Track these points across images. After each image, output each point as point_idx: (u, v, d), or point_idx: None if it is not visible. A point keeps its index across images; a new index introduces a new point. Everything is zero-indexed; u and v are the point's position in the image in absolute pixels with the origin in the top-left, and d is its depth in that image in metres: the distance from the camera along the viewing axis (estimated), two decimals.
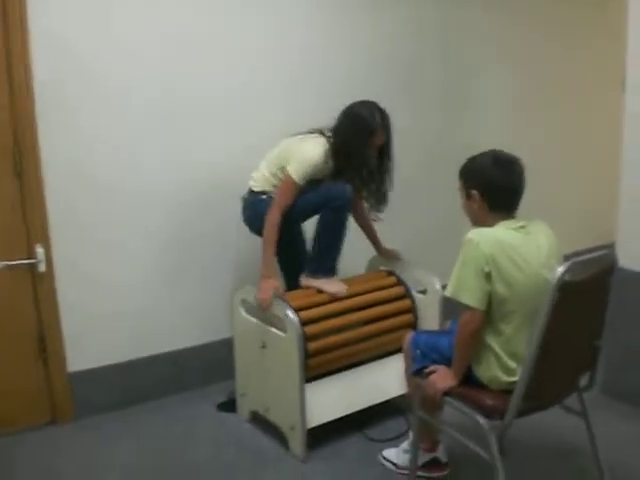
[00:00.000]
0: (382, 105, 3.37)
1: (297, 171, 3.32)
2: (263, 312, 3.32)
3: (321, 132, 3.40)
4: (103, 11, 3.40)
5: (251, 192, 3.56)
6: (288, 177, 3.33)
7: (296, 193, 3.35)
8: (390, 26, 4.36)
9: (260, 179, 3.53)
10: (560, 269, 2.32)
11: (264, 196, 3.48)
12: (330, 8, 4.12)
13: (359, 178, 3.48)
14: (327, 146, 3.34)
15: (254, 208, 3.53)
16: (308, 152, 3.33)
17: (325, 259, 3.53)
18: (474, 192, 2.64)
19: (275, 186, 3.45)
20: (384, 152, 3.46)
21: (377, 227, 3.74)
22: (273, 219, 3.34)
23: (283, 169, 3.39)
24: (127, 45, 3.50)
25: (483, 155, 2.68)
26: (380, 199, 3.57)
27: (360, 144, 3.32)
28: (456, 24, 4.70)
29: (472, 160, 2.72)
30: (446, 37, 4.68)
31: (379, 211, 3.61)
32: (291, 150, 3.39)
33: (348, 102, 3.39)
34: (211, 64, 3.76)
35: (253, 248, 3.88)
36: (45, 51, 3.27)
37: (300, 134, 3.44)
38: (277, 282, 3.39)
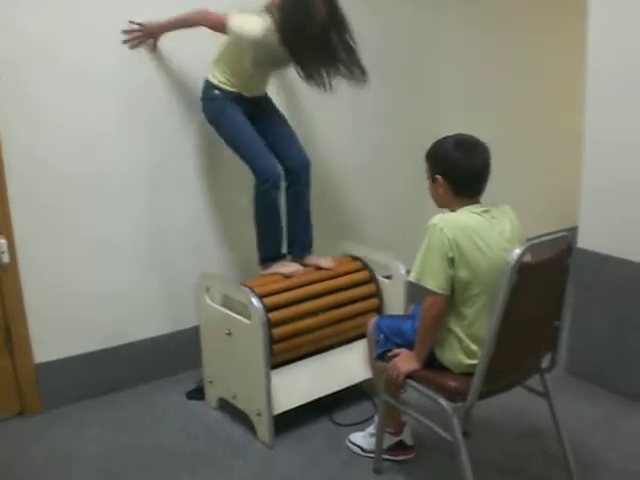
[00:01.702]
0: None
1: (237, 22, 3.31)
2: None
3: (268, 9, 3.41)
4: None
5: (207, 80, 3.55)
6: (223, 19, 3.33)
7: (221, 28, 3.35)
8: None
9: (214, 66, 3.52)
10: (517, 251, 2.35)
11: (216, 91, 3.50)
12: None
13: (311, 58, 3.33)
14: (270, 23, 3.28)
15: (206, 104, 3.59)
16: (250, 19, 3.31)
17: (269, 247, 3.60)
18: (438, 176, 2.66)
19: (228, 81, 3.47)
20: (334, 24, 3.31)
21: (341, 215, 3.73)
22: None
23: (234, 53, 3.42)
24: (84, 29, 3.45)
25: (447, 139, 2.69)
26: (354, 72, 3.43)
27: (301, 18, 3.20)
28: (416, 4, 4.65)
29: (436, 144, 2.73)
30: (408, 18, 4.62)
31: (362, 84, 3.48)
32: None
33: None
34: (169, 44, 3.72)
35: (221, 234, 3.92)
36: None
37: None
38: None
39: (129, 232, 3.76)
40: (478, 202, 2.66)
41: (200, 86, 3.59)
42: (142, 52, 3.63)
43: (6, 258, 3.34)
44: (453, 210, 2.65)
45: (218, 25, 3.36)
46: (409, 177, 4.39)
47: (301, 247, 3.71)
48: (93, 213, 3.63)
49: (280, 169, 3.51)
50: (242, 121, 3.50)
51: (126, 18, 3.53)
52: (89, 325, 3.71)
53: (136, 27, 3.55)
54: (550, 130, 5.69)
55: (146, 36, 3.58)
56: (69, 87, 3.46)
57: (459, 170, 2.62)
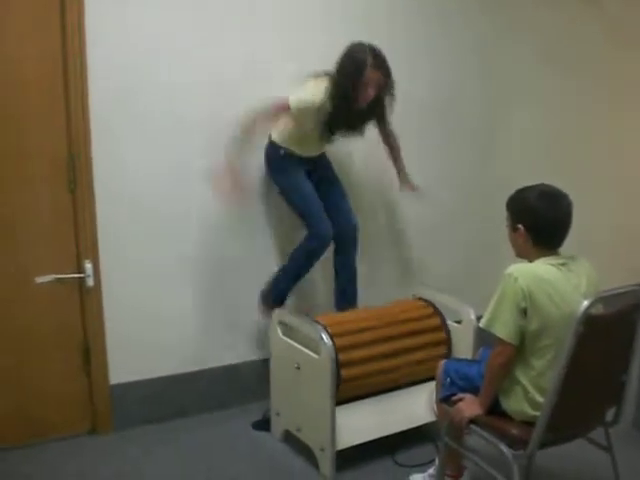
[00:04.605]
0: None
1: (295, 99, 3.43)
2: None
3: (327, 73, 3.48)
4: (150, 43, 3.53)
5: (271, 141, 3.68)
6: (286, 101, 3.44)
7: (285, 110, 3.47)
8: (426, 60, 4.37)
9: (276, 130, 3.66)
10: (585, 303, 2.36)
11: (282, 151, 3.63)
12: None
13: (348, 118, 3.50)
14: (328, 85, 3.42)
15: (271, 165, 3.72)
16: (310, 88, 3.44)
17: (280, 291, 3.81)
18: (519, 226, 2.67)
19: (290, 145, 3.61)
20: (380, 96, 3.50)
21: (416, 257, 3.76)
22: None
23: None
24: (174, 76, 3.61)
25: (531, 189, 2.68)
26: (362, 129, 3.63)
27: (351, 82, 3.37)
28: (495, 55, 4.70)
29: (520, 193, 2.73)
30: (485, 67, 4.67)
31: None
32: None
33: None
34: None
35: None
36: (100, 80, 3.40)
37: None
38: None
39: (206, 263, 3.86)
40: (557, 254, 2.66)
41: None
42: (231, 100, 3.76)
43: (91, 282, 3.48)
44: (531, 260, 2.66)
45: (281, 110, 3.49)
46: (482, 223, 4.43)
47: (347, 300, 3.87)
48: (172, 245, 3.75)
49: (332, 232, 3.65)
50: (303, 182, 3.66)
51: (218, 64, 3.70)
52: (164, 350, 3.81)
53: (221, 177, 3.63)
54: (627, 187, 5.63)
55: (232, 184, 3.64)
56: (155, 134, 3.62)
57: (540, 221, 2.63)
